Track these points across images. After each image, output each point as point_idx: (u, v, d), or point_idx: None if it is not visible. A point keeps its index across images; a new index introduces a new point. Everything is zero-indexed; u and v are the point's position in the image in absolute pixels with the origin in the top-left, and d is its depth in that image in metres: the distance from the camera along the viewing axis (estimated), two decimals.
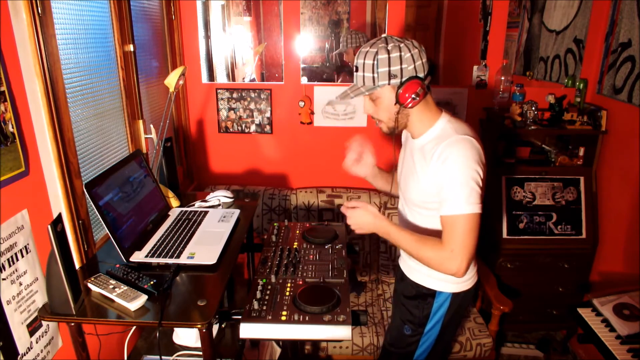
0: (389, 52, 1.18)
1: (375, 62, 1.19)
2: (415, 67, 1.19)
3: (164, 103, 2.25)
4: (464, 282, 1.41)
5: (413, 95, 1.20)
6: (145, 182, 1.59)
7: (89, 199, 1.27)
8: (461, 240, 1.19)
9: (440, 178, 1.23)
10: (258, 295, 1.27)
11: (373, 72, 1.20)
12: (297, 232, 1.67)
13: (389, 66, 1.19)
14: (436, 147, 1.24)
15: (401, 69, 1.19)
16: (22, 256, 1.17)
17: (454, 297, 1.42)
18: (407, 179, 1.39)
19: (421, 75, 1.21)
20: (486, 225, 2.39)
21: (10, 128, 1.13)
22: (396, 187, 1.57)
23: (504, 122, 2.32)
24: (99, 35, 1.64)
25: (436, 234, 1.32)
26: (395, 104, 1.24)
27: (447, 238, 1.22)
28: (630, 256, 2.14)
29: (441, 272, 1.25)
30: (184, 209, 1.72)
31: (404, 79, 1.20)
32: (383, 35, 1.23)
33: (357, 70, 1.24)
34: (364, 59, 1.21)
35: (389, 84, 1.21)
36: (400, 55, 1.18)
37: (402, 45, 1.18)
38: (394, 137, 1.37)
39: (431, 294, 1.42)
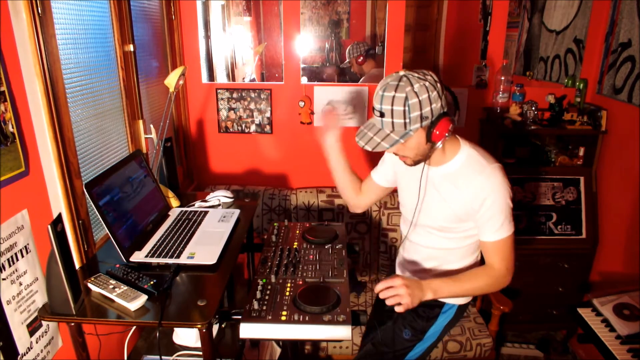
0: (417, 95, 1.14)
1: (407, 108, 1.14)
2: (442, 103, 1.18)
3: (164, 103, 2.25)
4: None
5: (446, 134, 1.20)
6: (145, 182, 1.59)
7: (89, 199, 1.27)
8: (511, 256, 1.32)
9: (484, 208, 1.27)
10: (258, 295, 1.27)
11: (405, 118, 1.16)
12: (297, 232, 1.67)
13: (421, 110, 1.15)
14: (471, 177, 1.28)
15: (431, 109, 1.16)
16: (22, 256, 1.17)
17: (459, 309, 1.49)
18: (430, 206, 1.39)
19: (446, 109, 1.20)
20: None
21: (10, 128, 1.13)
22: (351, 195, 1.60)
23: (504, 122, 2.32)
24: (99, 35, 1.64)
25: (450, 253, 1.43)
26: (426, 143, 1.23)
27: (499, 259, 1.32)
28: (630, 256, 2.14)
29: (499, 289, 1.36)
30: (184, 209, 1.72)
31: (434, 118, 1.18)
32: (401, 74, 1.17)
33: (382, 116, 1.18)
34: (392, 105, 1.15)
35: (421, 126, 1.18)
36: (429, 96, 1.15)
37: (427, 84, 1.15)
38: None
39: (439, 305, 1.47)
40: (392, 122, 1.18)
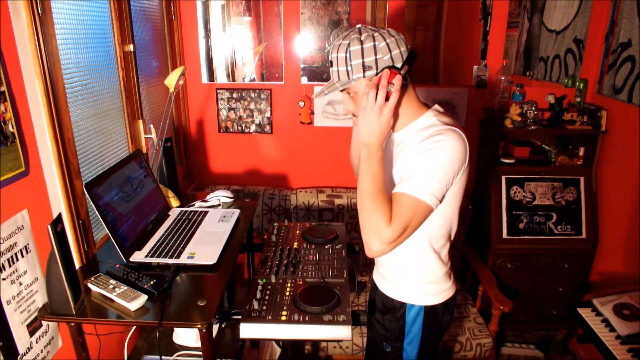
0: (361, 43, 1.09)
1: (348, 54, 1.11)
2: (391, 56, 1.10)
3: (164, 103, 2.25)
4: (435, 295, 1.29)
5: (390, 88, 1.11)
6: (145, 182, 1.59)
7: (89, 199, 1.27)
8: (398, 218, 1.07)
9: (417, 160, 1.11)
10: (258, 295, 1.27)
11: (347, 66, 1.12)
12: (297, 232, 1.67)
13: (363, 57, 1.10)
14: (422, 136, 1.13)
15: (376, 59, 1.10)
16: (22, 256, 1.17)
17: (427, 311, 1.30)
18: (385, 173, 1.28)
19: (398, 64, 1.12)
20: (486, 225, 2.40)
21: (10, 128, 1.13)
22: None
23: (504, 122, 2.32)
24: (99, 35, 1.64)
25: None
26: None
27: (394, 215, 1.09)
28: (630, 256, 2.14)
29: (369, 237, 1.10)
30: (184, 209, 1.72)
31: (379, 70, 1.11)
32: (357, 26, 1.14)
33: (331, 65, 1.16)
34: (337, 52, 1.13)
35: (364, 76, 1.12)
36: (374, 45, 1.09)
37: (376, 34, 1.10)
38: None
39: (400, 306, 1.32)
40: (338, 71, 1.14)
